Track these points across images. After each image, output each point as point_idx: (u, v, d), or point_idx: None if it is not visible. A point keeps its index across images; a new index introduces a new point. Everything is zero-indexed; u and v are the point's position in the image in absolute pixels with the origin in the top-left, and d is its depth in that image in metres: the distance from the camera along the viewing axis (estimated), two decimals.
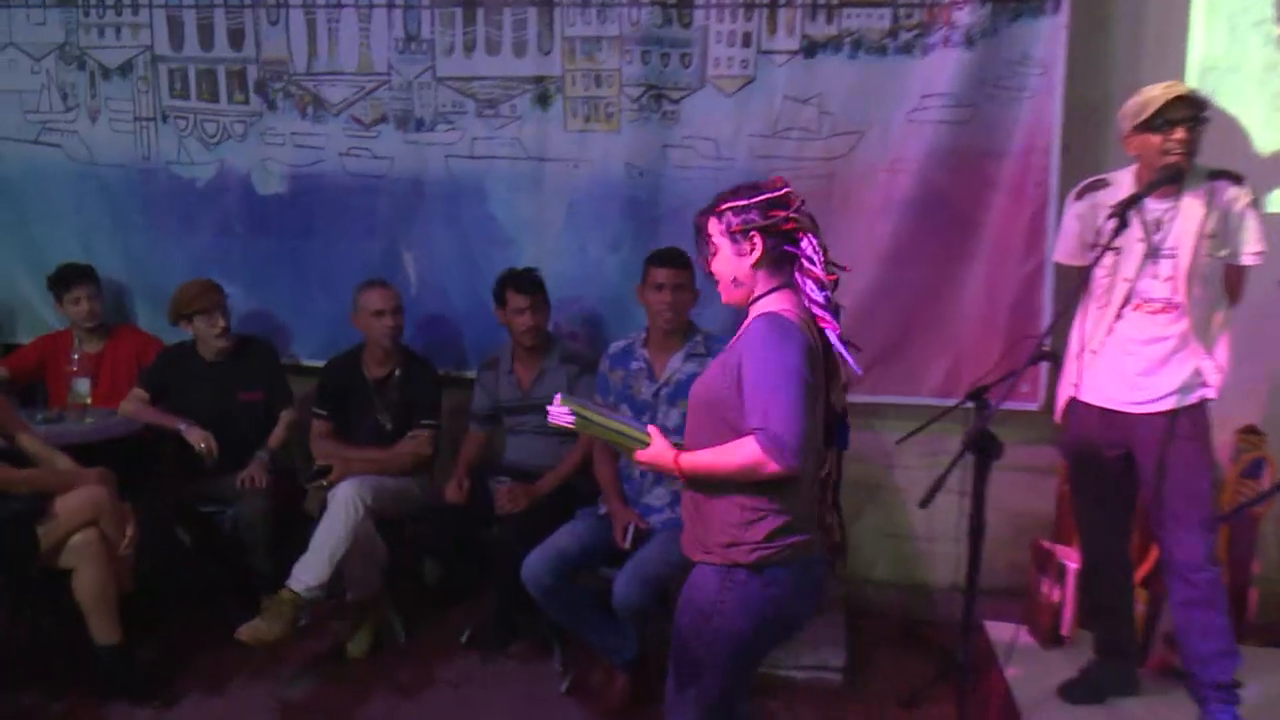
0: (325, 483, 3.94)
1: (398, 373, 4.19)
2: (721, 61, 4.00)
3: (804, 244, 2.34)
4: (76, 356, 4.28)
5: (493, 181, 4.31)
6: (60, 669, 3.81)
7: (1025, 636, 3.63)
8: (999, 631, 3.64)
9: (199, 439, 4.14)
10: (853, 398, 3.97)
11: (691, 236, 2.53)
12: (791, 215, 2.34)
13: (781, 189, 2.37)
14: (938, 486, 2.65)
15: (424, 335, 4.48)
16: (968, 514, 2.88)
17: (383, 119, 4.36)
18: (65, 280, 4.49)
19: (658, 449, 2.40)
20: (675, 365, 3.60)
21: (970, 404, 3.41)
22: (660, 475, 3.55)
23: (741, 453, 2.25)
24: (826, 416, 2.39)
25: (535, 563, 3.53)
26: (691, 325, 3.70)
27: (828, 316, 2.33)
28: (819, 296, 2.33)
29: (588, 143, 4.17)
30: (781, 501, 2.31)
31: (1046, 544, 3.70)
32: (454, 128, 4.29)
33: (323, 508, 3.86)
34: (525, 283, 4.00)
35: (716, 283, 2.46)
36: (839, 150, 3.94)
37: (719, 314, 3.97)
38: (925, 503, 2.61)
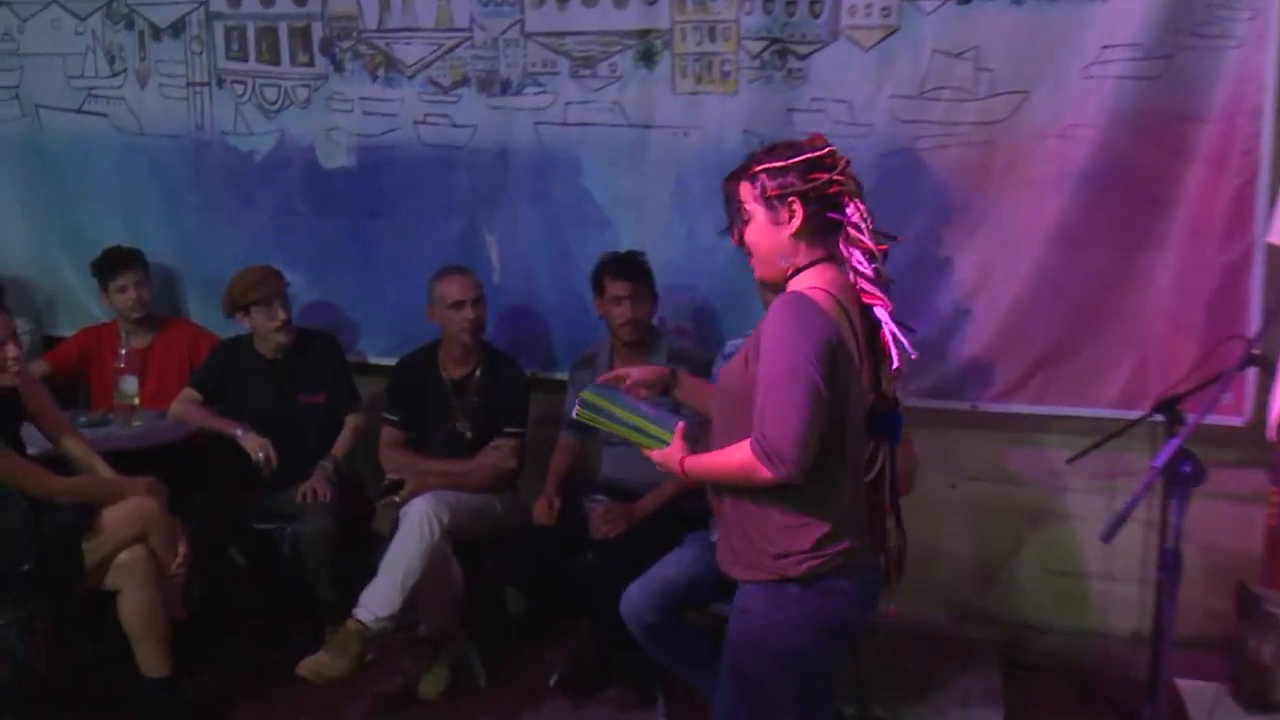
0: (396, 499, 3.92)
1: (479, 373, 4.15)
2: (858, 9, 3.94)
3: (850, 210, 2.34)
4: (123, 351, 4.30)
5: (588, 153, 4.28)
6: (104, 703, 3.83)
7: (1227, 699, 3.56)
8: (1194, 692, 3.57)
9: (256, 446, 4.12)
10: (1011, 407, 3.88)
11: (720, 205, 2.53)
12: (835, 178, 2.33)
13: (823, 148, 2.36)
14: (1124, 517, 2.63)
15: (508, 330, 4.45)
16: (1156, 549, 2.75)
17: (464, 81, 4.35)
18: (111, 266, 4.53)
19: (669, 450, 2.43)
20: None
21: (1159, 417, 3.26)
22: None
23: (739, 456, 2.30)
24: (876, 404, 2.37)
25: (636, 595, 3.48)
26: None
27: (876, 292, 2.32)
28: (867, 270, 2.32)
29: (699, 107, 4.12)
30: (819, 506, 2.33)
31: (1254, 588, 3.60)
32: (544, 91, 4.28)
33: (393, 527, 3.84)
34: (626, 268, 3.95)
35: (749, 255, 2.44)
36: (1000, 113, 3.84)
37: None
38: (1109, 536, 2.60)
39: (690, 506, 3.81)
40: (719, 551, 2.49)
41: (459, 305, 4.06)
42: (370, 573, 3.80)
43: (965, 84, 3.85)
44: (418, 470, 4.03)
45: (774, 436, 2.23)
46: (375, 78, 4.43)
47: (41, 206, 4.92)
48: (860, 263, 2.32)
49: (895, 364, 2.31)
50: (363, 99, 4.46)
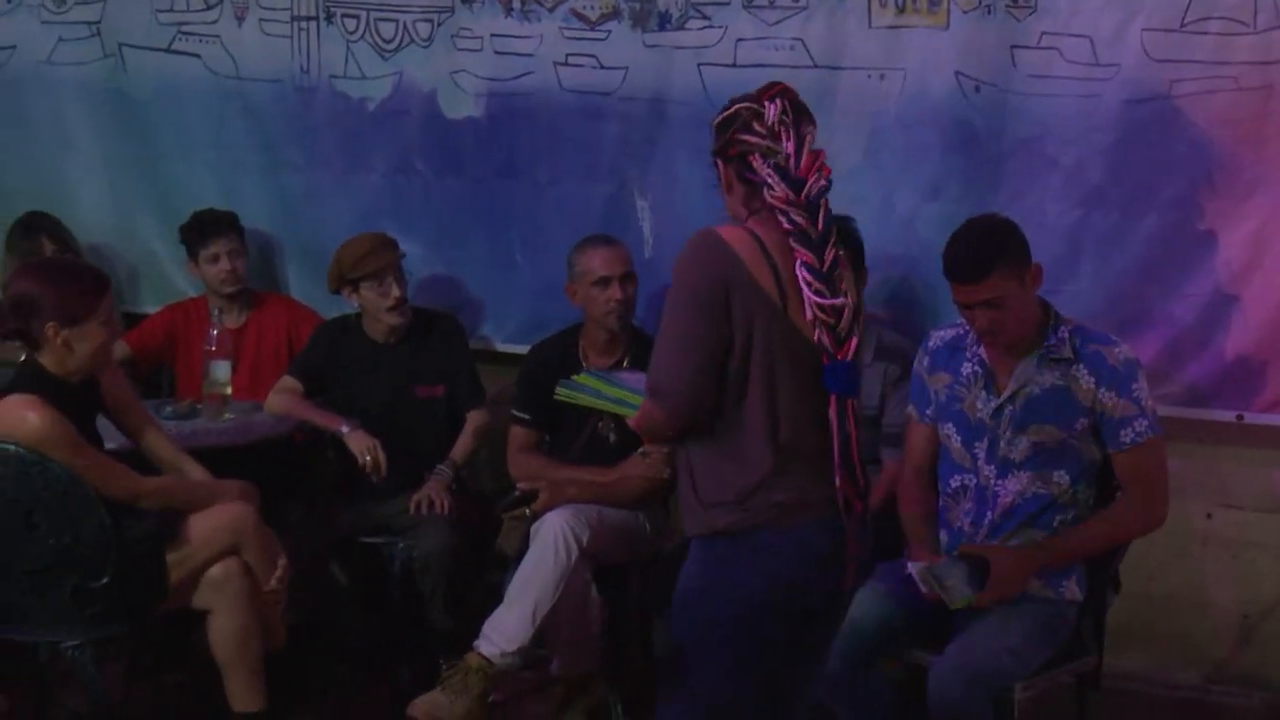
0: (527, 513, 3.92)
1: (627, 364, 4.12)
2: None
3: (756, 167, 2.60)
4: (215, 332, 4.36)
5: None
6: None
7: None
8: None
9: (364, 448, 4.17)
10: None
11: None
12: (734, 137, 2.63)
13: (734, 105, 2.67)
14: None
15: (661, 313, 4.36)
16: None
17: (614, 14, 4.37)
18: (201, 232, 4.62)
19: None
20: (1027, 373, 3.41)
21: None
22: (996, 528, 3.43)
23: (644, 404, 2.66)
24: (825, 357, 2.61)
25: None
26: None
27: (800, 247, 2.58)
28: (785, 223, 2.58)
29: (901, 44, 4.07)
30: (741, 455, 2.59)
31: None
32: (711, 25, 4.25)
33: (523, 547, 3.86)
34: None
35: None
36: None
37: None
38: None
39: (880, 533, 3.71)
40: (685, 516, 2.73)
41: (605, 283, 4.05)
42: (495, 599, 3.80)
43: (1239, 13, 3.75)
44: (553, 480, 4.01)
45: (656, 373, 2.61)
46: (509, 10, 4.46)
47: (124, 162, 5.03)
48: (785, 222, 2.59)
49: (808, 314, 2.57)
50: (494, 36, 4.49)
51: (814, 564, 2.61)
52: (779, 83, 2.70)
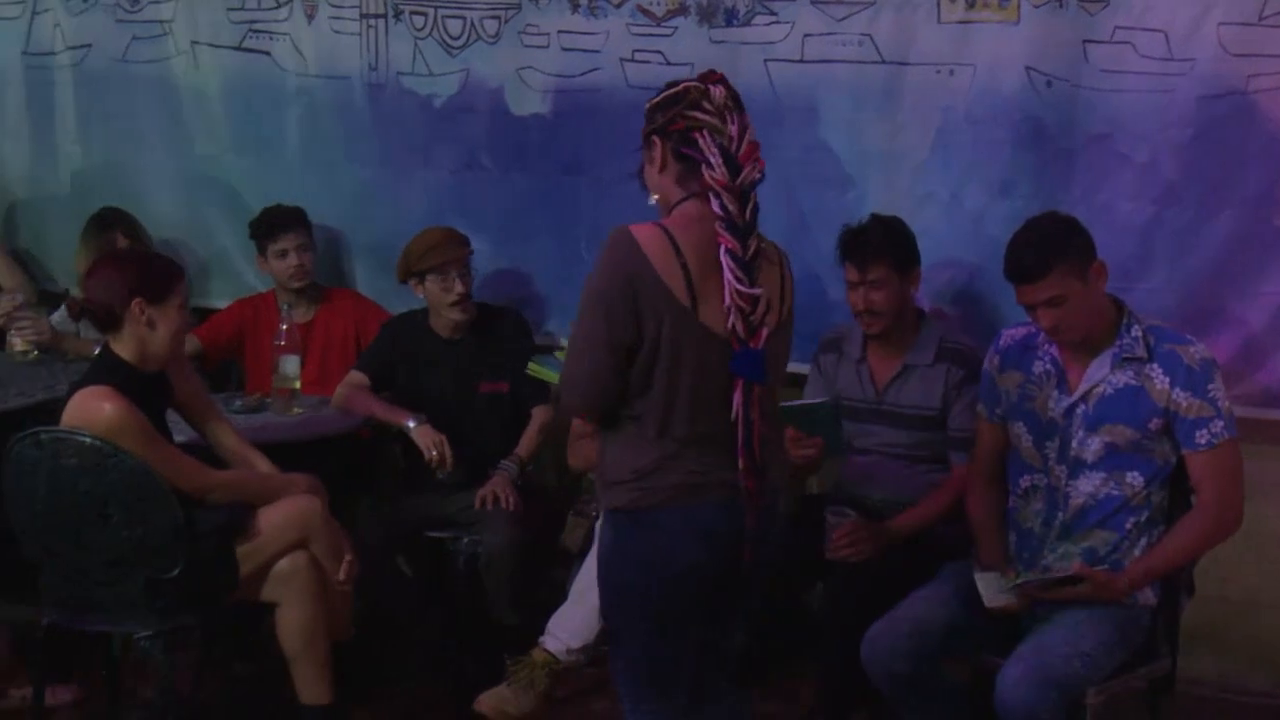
0: (592, 509, 3.94)
1: None
2: None
3: (700, 143, 2.71)
4: (284, 327, 4.39)
5: (829, 96, 4.24)
6: None
7: None
8: None
9: (430, 443, 4.18)
10: None
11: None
12: (684, 113, 2.73)
13: (682, 83, 2.78)
14: None
15: None
16: None
17: (680, 10, 4.36)
18: (270, 227, 4.65)
19: None
20: (1100, 372, 3.36)
21: None
22: (1066, 529, 3.40)
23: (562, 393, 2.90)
24: (733, 347, 2.72)
25: (882, 639, 3.39)
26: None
27: (726, 233, 2.69)
28: (717, 207, 2.69)
29: (971, 39, 4.04)
30: (640, 439, 2.77)
31: None
32: (778, 20, 4.24)
33: (587, 543, 3.88)
34: (858, 247, 3.82)
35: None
36: None
37: None
38: None
39: (948, 533, 3.76)
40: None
41: None
42: (560, 595, 3.81)
43: None
44: None
45: (566, 367, 2.81)
46: (576, 7, 4.46)
47: (195, 159, 5.07)
48: (716, 206, 2.70)
49: (726, 299, 2.68)
50: (561, 32, 4.49)
51: (707, 541, 2.77)
52: (716, 71, 2.84)
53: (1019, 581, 3.30)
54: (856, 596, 3.61)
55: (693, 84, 2.78)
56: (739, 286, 2.68)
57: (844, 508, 3.85)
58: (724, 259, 2.69)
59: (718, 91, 2.76)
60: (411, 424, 4.23)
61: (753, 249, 2.72)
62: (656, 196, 2.87)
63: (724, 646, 2.96)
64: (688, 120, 2.73)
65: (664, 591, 2.79)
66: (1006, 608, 3.31)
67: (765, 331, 2.75)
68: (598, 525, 3.79)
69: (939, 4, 4.03)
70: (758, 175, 2.75)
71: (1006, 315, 3.91)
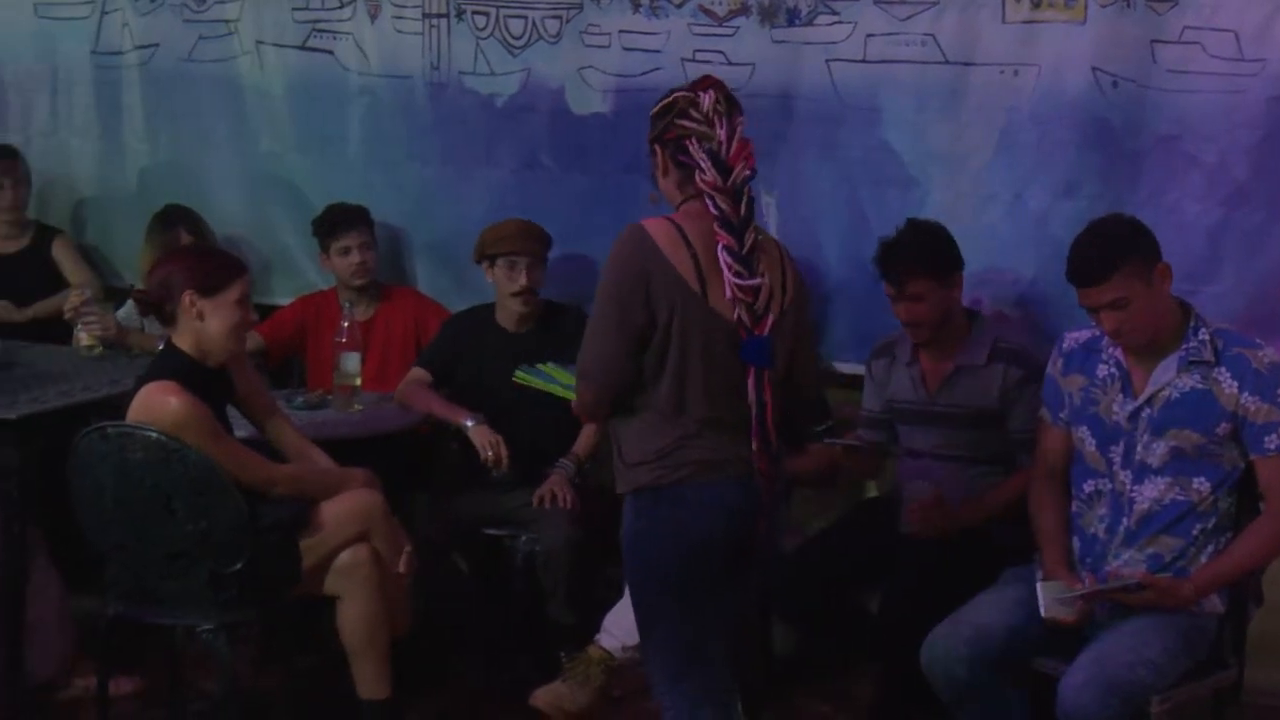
0: None
1: None
2: None
3: (691, 150, 2.89)
4: (345, 324, 4.41)
5: (892, 96, 4.25)
6: None
7: None
8: None
9: (486, 442, 4.19)
10: None
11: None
12: (674, 122, 2.92)
13: (673, 94, 2.97)
14: None
15: None
16: None
17: (742, 10, 4.36)
18: (333, 225, 4.68)
19: None
20: (1165, 376, 3.33)
21: None
22: (1131, 535, 3.37)
23: (577, 384, 3.02)
24: (743, 337, 2.88)
25: (942, 642, 3.38)
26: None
27: (722, 231, 2.85)
28: (711, 208, 2.86)
29: (1036, 39, 4.04)
30: (662, 420, 2.91)
31: None
32: (840, 20, 4.24)
33: None
34: (892, 263, 3.82)
35: None
36: None
37: None
38: None
39: (1010, 537, 3.74)
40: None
41: None
42: (616, 593, 3.82)
43: None
44: None
45: (583, 357, 2.95)
46: (638, 6, 4.47)
47: (259, 157, 5.11)
48: (711, 207, 2.87)
49: (728, 293, 2.84)
50: (622, 32, 4.50)
51: (726, 515, 2.91)
52: (711, 75, 3.02)
53: (1081, 593, 3.26)
54: (917, 600, 3.61)
55: (682, 94, 2.96)
56: (737, 281, 2.85)
57: (925, 482, 3.86)
58: (721, 255, 2.86)
59: (706, 98, 2.92)
60: (469, 423, 4.24)
61: (750, 243, 2.87)
62: (665, 197, 3.05)
63: (731, 624, 3.09)
64: (679, 129, 2.92)
65: (687, 564, 2.92)
66: (1063, 619, 3.28)
67: (770, 319, 2.90)
68: None
69: (1004, 4, 4.03)
70: (749, 173, 2.91)
71: (1070, 318, 3.85)
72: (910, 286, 3.81)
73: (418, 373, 4.42)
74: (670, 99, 2.98)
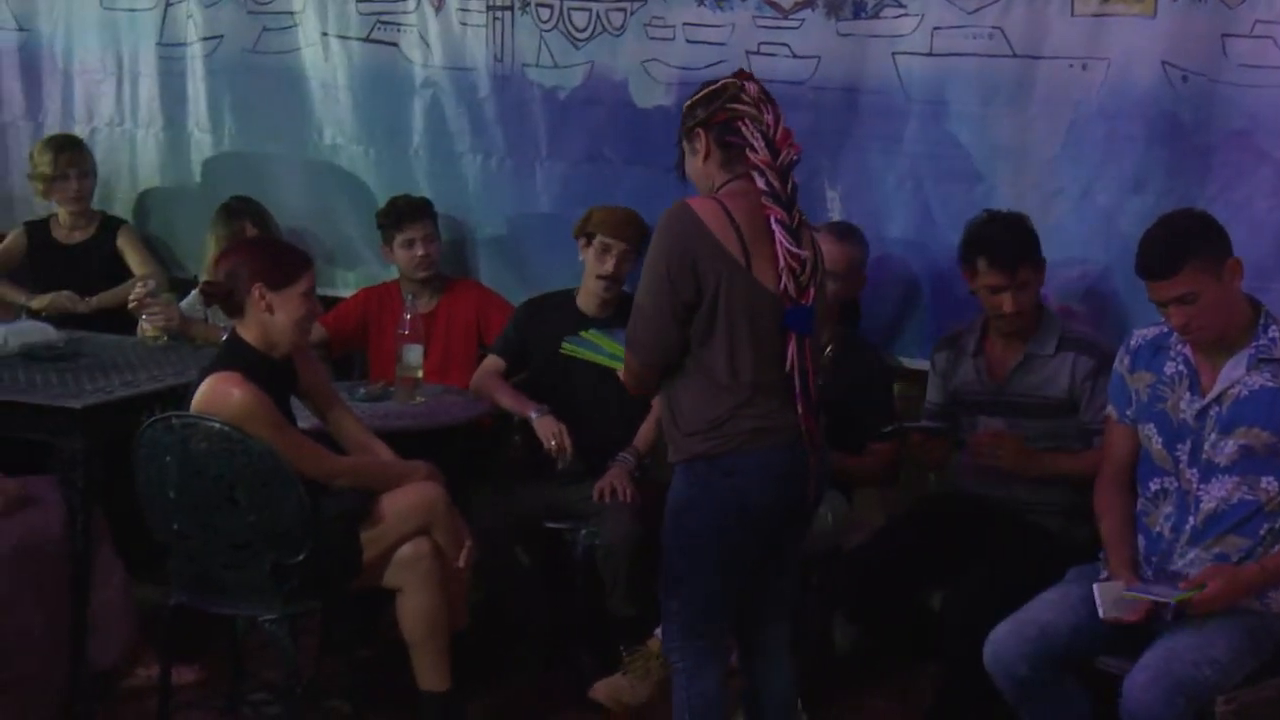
0: None
1: (830, 353, 4.13)
2: None
3: (744, 130, 3.04)
4: (408, 316, 4.44)
5: (958, 90, 4.23)
6: (377, 719, 3.99)
7: None
8: None
9: (550, 433, 4.21)
10: None
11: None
12: (728, 105, 3.07)
13: (720, 81, 3.13)
14: None
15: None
16: None
17: (807, 2, 4.36)
18: (397, 217, 4.71)
19: None
20: (1235, 374, 3.31)
21: None
22: (1197, 534, 3.35)
23: (625, 355, 3.21)
24: (781, 303, 3.05)
25: (1005, 640, 3.37)
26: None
27: (773, 205, 3.02)
28: (762, 184, 3.02)
29: (1105, 33, 4.01)
30: (715, 390, 3.07)
31: None
32: (907, 13, 4.24)
33: None
34: (1005, 253, 3.80)
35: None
36: None
37: None
38: None
39: (1075, 536, 3.75)
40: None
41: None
42: None
43: None
44: None
45: (633, 328, 3.13)
46: None
47: (322, 149, 5.16)
48: (758, 179, 3.03)
49: (781, 263, 3.00)
50: (686, 24, 4.51)
51: (777, 481, 3.09)
52: (745, 70, 3.20)
53: (1138, 596, 3.25)
54: (980, 598, 3.60)
55: (730, 80, 3.13)
56: (790, 248, 3.01)
57: (995, 419, 3.89)
58: (775, 227, 3.02)
59: (752, 86, 3.10)
60: (534, 415, 4.27)
61: (797, 219, 3.05)
62: (698, 182, 3.21)
63: (779, 585, 3.31)
64: (729, 111, 3.08)
65: (741, 529, 3.10)
66: (1122, 619, 3.27)
67: (813, 289, 3.07)
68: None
69: None
70: (795, 156, 3.07)
71: (1138, 315, 3.87)
72: (1020, 274, 3.80)
73: (491, 361, 4.46)
74: (719, 84, 3.13)
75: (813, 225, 4.08)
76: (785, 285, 3.03)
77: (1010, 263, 3.79)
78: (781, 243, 3.02)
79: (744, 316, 3.05)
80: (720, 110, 3.09)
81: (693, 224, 3.04)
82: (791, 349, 3.06)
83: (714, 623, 3.21)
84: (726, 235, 3.04)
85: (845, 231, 4.16)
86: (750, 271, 3.04)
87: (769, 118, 3.06)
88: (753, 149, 3.04)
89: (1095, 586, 3.29)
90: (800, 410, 3.08)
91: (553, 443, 4.20)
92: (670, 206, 3.12)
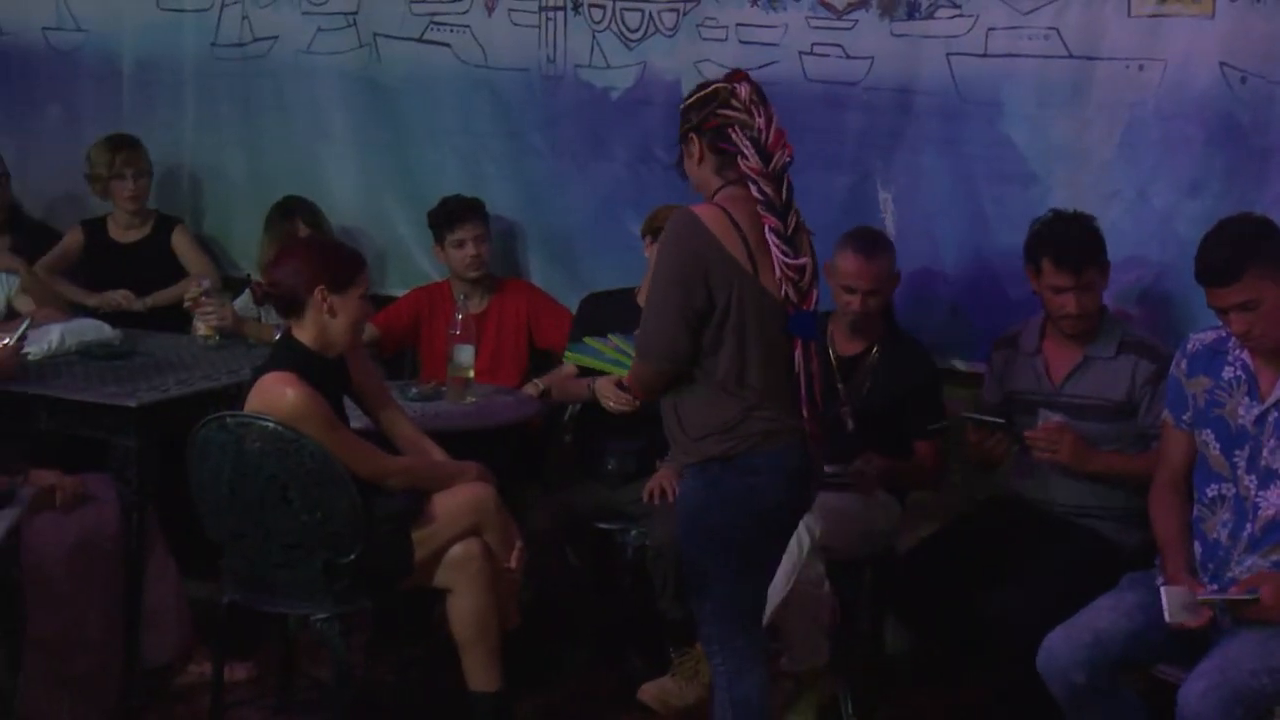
0: None
1: (876, 352, 4.14)
2: None
3: (734, 137, 3.04)
4: (459, 316, 4.46)
5: (1013, 91, 4.24)
6: (424, 716, 4.03)
7: None
8: None
9: (610, 392, 4.13)
10: None
11: None
12: (718, 111, 3.05)
13: (712, 85, 3.11)
14: None
15: (905, 308, 4.37)
16: None
17: (861, 3, 4.38)
18: (449, 217, 4.73)
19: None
20: None
21: None
22: (1255, 541, 3.32)
23: (634, 362, 3.21)
24: (786, 307, 3.07)
25: (1060, 646, 3.36)
26: None
27: (768, 214, 3.02)
28: (755, 192, 3.02)
29: (1163, 33, 4.01)
30: (725, 394, 3.08)
31: None
32: (962, 13, 4.25)
33: None
34: (1073, 254, 3.78)
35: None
36: None
37: None
38: None
39: (1130, 542, 3.75)
40: (672, 450, 3.27)
41: (849, 290, 4.03)
42: None
43: None
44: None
45: (644, 335, 3.12)
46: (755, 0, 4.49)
47: (375, 149, 5.18)
48: (752, 187, 3.03)
49: (776, 272, 3.02)
50: (739, 25, 4.52)
51: (790, 480, 3.13)
52: (740, 70, 3.16)
53: (1206, 599, 3.24)
54: (1034, 603, 3.59)
55: (721, 84, 3.11)
56: (785, 260, 3.02)
57: (1055, 413, 3.87)
58: (769, 237, 3.02)
59: (744, 89, 3.07)
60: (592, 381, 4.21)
61: (793, 224, 3.05)
62: (695, 184, 3.19)
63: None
64: (720, 118, 3.06)
65: (754, 527, 3.13)
66: (1189, 624, 3.26)
67: (815, 294, 3.11)
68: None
69: None
70: (787, 159, 3.04)
71: (1195, 318, 3.86)
72: (1086, 275, 3.79)
73: (568, 368, 4.42)
74: (710, 89, 3.12)
75: (836, 237, 4.11)
76: (786, 292, 3.06)
77: (1076, 264, 3.77)
78: (778, 255, 3.03)
79: (754, 325, 3.06)
80: (711, 117, 3.08)
81: (702, 232, 3.03)
82: (798, 354, 3.09)
83: (750, 627, 3.21)
84: (734, 244, 3.04)
85: (868, 246, 4.05)
86: (757, 279, 3.06)
87: (760, 121, 3.04)
88: (744, 156, 3.04)
89: (1162, 590, 3.26)
90: (805, 414, 3.11)
91: (611, 401, 4.12)
92: (675, 214, 3.13)
